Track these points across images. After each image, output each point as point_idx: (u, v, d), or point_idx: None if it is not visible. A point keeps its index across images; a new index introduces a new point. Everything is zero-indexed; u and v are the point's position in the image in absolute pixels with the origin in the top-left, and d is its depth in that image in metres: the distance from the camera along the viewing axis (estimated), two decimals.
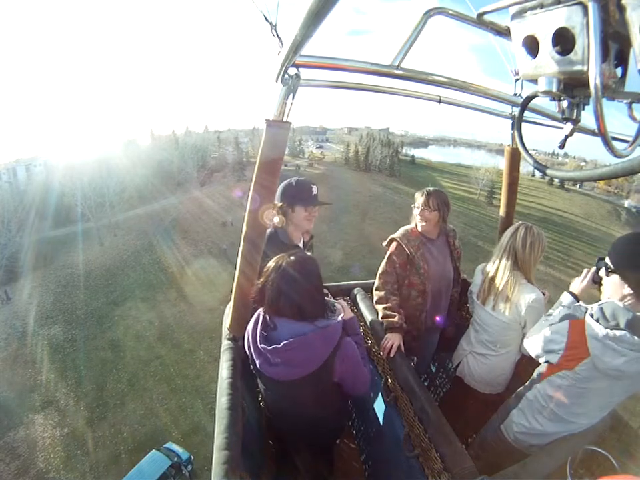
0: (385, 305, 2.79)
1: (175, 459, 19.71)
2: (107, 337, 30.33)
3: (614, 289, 1.83)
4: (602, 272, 1.90)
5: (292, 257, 2.00)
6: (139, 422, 23.08)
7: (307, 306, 1.94)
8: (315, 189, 2.74)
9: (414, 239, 2.96)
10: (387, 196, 63.53)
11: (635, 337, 1.66)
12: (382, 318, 2.71)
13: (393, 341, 2.48)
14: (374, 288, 3.00)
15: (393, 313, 2.69)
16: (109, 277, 38.21)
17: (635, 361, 1.68)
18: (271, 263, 2.00)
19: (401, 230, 3.04)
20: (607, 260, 1.85)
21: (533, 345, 2.09)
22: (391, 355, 2.44)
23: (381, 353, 2.52)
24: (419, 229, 2.98)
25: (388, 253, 3.00)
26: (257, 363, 1.95)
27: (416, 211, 2.97)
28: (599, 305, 1.83)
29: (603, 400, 1.91)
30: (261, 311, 2.04)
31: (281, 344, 1.85)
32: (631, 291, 1.76)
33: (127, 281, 37.87)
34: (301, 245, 2.90)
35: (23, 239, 41.94)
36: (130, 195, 53.33)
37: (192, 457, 20.18)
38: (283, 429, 2.36)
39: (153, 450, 20.29)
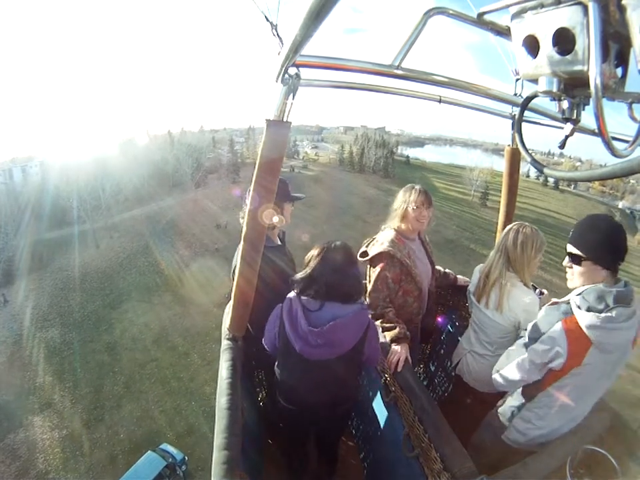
0: (382, 319, 2.67)
1: (170, 459, 19.96)
2: (104, 340, 30.38)
3: (588, 275, 1.85)
4: (566, 262, 1.92)
5: (337, 245, 2.14)
6: (135, 424, 23.34)
7: (356, 289, 2.10)
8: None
9: (402, 247, 2.78)
10: (381, 198, 63.37)
11: (628, 308, 1.71)
12: (383, 332, 2.60)
13: (400, 354, 2.39)
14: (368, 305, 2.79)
15: (393, 325, 2.59)
16: (105, 280, 38.13)
17: (628, 329, 1.74)
18: (315, 252, 2.13)
19: (387, 241, 2.79)
20: (574, 250, 1.87)
21: (515, 371, 2.02)
22: (399, 370, 2.36)
23: (388, 368, 2.44)
24: (416, 227, 2.85)
25: (378, 269, 2.76)
26: (297, 347, 2.01)
27: (414, 211, 2.79)
28: (578, 294, 1.84)
29: (606, 379, 1.93)
30: (293, 297, 2.10)
31: (327, 325, 1.95)
32: (607, 271, 1.81)
33: (122, 283, 37.79)
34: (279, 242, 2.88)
35: (20, 241, 41.73)
36: (125, 196, 53.13)
37: (186, 458, 20.45)
38: (299, 417, 2.34)
39: (149, 451, 20.51)
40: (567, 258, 1.91)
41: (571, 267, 1.90)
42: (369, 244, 2.98)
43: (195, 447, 21.33)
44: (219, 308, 31.74)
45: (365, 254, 2.90)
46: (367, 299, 2.83)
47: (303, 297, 2.06)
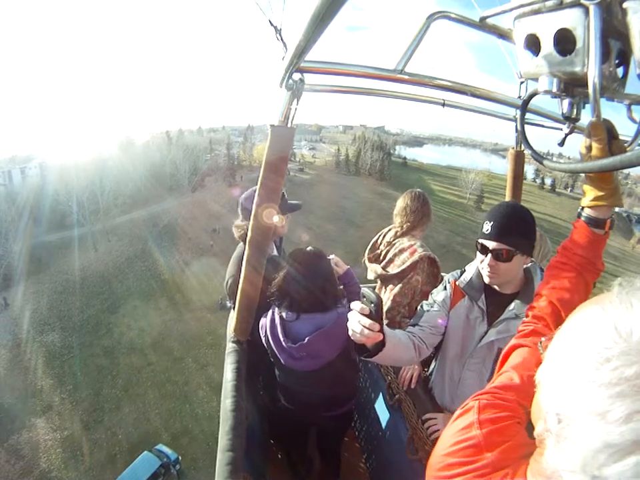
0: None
1: (165, 459, 20.91)
2: (102, 344, 30.64)
3: (517, 268, 1.78)
4: (489, 261, 1.72)
5: (300, 254, 2.10)
6: (133, 425, 23.88)
7: (329, 295, 2.03)
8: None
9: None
10: (375, 202, 62.88)
11: None
12: None
13: (413, 370, 2.27)
14: (385, 310, 2.77)
15: None
16: (103, 284, 38.21)
17: None
18: (284, 264, 2.08)
19: (418, 246, 2.80)
20: (500, 246, 1.69)
21: None
22: (412, 386, 2.24)
23: (401, 385, 2.32)
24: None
25: (411, 274, 2.75)
26: (282, 360, 2.03)
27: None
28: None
29: None
30: (275, 310, 2.09)
31: (306, 340, 1.93)
32: (529, 258, 1.80)
33: (120, 287, 37.92)
34: (275, 251, 2.79)
35: (19, 243, 41.45)
36: (123, 199, 52.79)
37: (180, 458, 21.33)
38: (299, 417, 2.37)
39: (145, 451, 21.36)
40: (488, 256, 1.73)
41: (495, 265, 1.72)
42: (383, 258, 2.98)
43: (188, 447, 22.18)
44: (212, 314, 32.51)
45: (385, 271, 2.90)
46: (389, 302, 2.82)
47: (280, 310, 2.04)
